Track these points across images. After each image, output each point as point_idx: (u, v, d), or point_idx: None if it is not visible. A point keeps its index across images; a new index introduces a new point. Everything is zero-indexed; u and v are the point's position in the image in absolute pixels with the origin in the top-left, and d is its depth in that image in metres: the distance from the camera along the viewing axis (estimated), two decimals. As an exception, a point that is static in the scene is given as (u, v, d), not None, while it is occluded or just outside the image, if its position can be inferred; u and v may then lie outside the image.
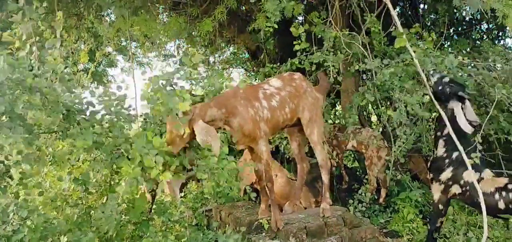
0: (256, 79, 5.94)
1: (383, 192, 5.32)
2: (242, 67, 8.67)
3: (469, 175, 3.47)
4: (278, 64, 5.37)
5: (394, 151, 4.54)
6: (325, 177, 3.81)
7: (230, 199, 4.91)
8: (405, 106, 4.47)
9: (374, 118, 7.13)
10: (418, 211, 4.81)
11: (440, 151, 3.71)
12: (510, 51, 6.42)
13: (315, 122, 3.74)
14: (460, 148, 3.53)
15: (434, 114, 5.72)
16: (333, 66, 4.72)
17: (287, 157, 5.83)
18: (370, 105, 6.55)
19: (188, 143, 3.07)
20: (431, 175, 3.77)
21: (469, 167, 3.48)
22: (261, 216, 3.65)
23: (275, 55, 6.71)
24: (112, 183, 2.83)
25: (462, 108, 3.60)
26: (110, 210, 2.76)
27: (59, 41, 3.15)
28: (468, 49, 5.87)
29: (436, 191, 3.69)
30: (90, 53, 7.64)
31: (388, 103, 5.10)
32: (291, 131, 3.93)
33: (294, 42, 4.89)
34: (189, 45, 7.77)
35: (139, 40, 8.00)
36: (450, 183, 3.60)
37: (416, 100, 4.21)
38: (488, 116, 4.02)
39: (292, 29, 4.82)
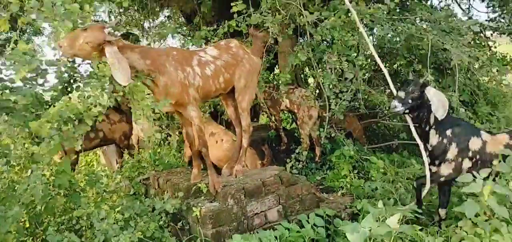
0: (191, 44, 5.77)
1: (317, 150, 5.51)
2: (178, 33, 8.39)
3: (474, 143, 3.43)
4: (215, 26, 5.25)
5: (332, 109, 4.69)
6: (245, 141, 3.88)
7: (168, 166, 4.85)
8: (339, 68, 4.60)
9: (311, 79, 7.27)
10: (352, 166, 5.03)
11: (434, 140, 3.54)
12: (436, 9, 6.80)
13: (248, 88, 3.75)
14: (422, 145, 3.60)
15: (368, 75, 5.98)
16: (270, 28, 4.71)
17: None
18: (307, 67, 6.66)
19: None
20: (437, 162, 3.56)
21: (426, 163, 3.54)
22: (193, 181, 3.64)
23: (211, 18, 6.55)
24: (34, 152, 2.66)
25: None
26: (34, 181, 2.60)
27: None
28: (398, 10, 6.09)
29: (447, 168, 3.50)
30: (11, 20, 7.02)
31: (324, 65, 5.21)
32: (226, 97, 3.91)
33: (232, 4, 4.81)
34: (121, 10, 7.39)
35: (66, 4, 7.45)
36: (460, 159, 3.47)
37: (352, 59, 4.35)
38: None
39: None
